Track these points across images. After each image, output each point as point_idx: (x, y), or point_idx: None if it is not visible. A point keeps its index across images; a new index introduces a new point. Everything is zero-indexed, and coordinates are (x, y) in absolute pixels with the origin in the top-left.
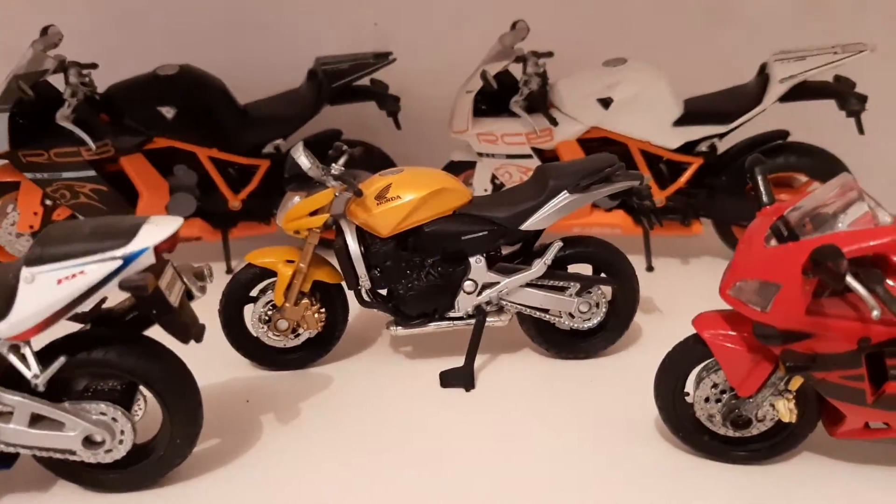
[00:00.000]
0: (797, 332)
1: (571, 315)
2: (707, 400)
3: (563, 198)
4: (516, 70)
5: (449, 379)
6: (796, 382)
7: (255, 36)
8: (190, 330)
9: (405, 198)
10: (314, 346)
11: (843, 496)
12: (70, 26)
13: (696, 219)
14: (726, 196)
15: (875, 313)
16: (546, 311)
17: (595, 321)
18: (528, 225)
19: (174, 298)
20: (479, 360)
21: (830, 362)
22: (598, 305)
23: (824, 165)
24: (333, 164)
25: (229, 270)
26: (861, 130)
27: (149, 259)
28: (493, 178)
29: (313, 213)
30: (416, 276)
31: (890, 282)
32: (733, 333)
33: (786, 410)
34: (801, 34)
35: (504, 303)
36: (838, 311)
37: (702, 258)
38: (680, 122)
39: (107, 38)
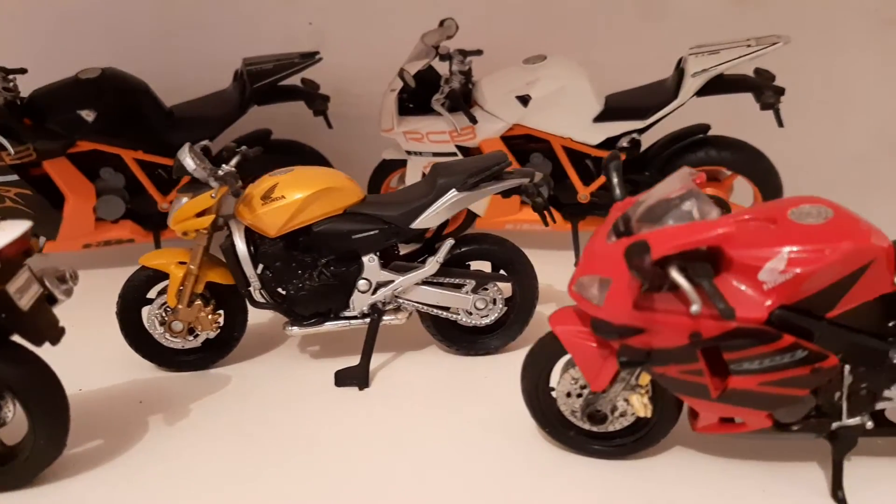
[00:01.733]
0: (631, 326)
1: (469, 312)
2: (569, 395)
3: (452, 196)
4: (444, 68)
5: (343, 378)
6: (646, 377)
7: (187, 38)
8: (43, 333)
9: (290, 197)
10: (214, 347)
11: (707, 489)
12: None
13: None
14: None
15: (694, 308)
16: (446, 308)
17: (493, 318)
18: (417, 223)
19: (26, 302)
20: (383, 358)
21: (666, 357)
22: (494, 302)
23: (745, 158)
24: (223, 165)
25: None
26: (780, 123)
27: None
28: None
29: (201, 214)
30: (308, 276)
31: (735, 281)
32: (584, 329)
33: (640, 405)
34: (737, 27)
35: (401, 301)
36: (670, 305)
37: None
38: (600, 119)
39: (37, 42)
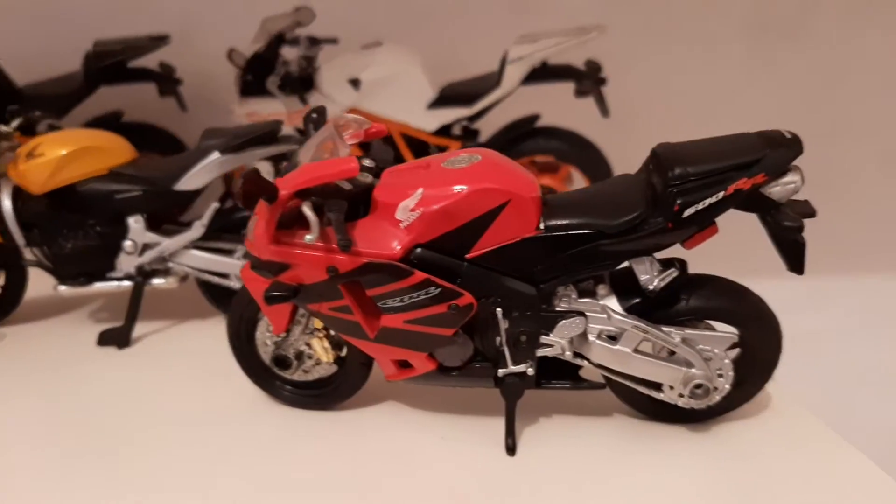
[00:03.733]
0: (276, 262)
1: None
2: (266, 344)
3: (213, 158)
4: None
5: (106, 338)
6: (318, 320)
7: (36, 21)
8: None
9: (50, 154)
10: None
11: (391, 436)
12: None
13: None
14: None
15: (308, 236)
16: (218, 274)
17: None
18: (180, 184)
19: None
20: (164, 323)
21: (313, 293)
22: None
23: (571, 147)
24: (1, 126)
25: None
26: (603, 112)
27: None
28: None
29: None
30: (73, 236)
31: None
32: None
33: (321, 350)
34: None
35: (171, 265)
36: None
37: None
38: (433, 105)
39: None
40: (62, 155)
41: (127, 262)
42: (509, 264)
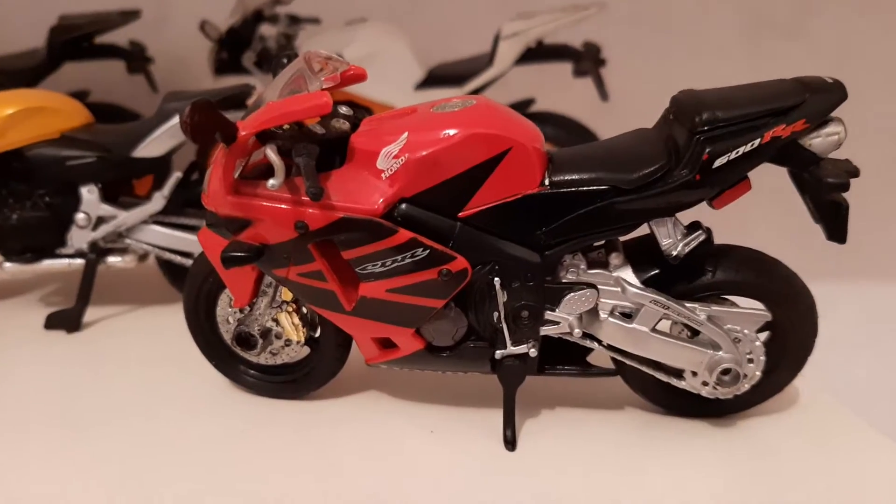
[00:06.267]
0: (235, 217)
1: None
2: (229, 322)
3: (175, 122)
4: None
5: (54, 321)
6: (288, 292)
7: None
8: None
9: None
10: None
11: (373, 430)
12: None
13: None
14: None
15: (271, 181)
16: (180, 253)
17: None
18: (139, 151)
19: None
20: (122, 305)
21: (279, 255)
22: None
23: (568, 134)
24: None
25: None
26: (602, 96)
27: None
28: None
29: None
30: (19, 206)
31: (356, 170)
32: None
33: (290, 326)
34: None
35: (129, 242)
36: (277, 191)
37: None
38: (421, 86)
39: None
40: (8, 115)
41: (79, 237)
42: (509, 225)
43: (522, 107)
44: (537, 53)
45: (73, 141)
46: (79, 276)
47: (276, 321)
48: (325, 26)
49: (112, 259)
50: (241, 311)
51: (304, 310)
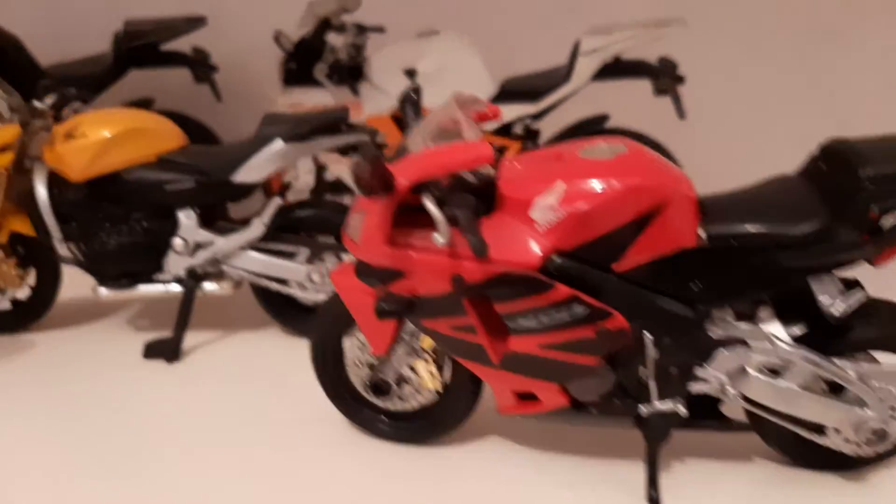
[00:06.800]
0: (389, 269)
1: (303, 285)
2: (357, 364)
3: (276, 146)
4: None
5: (153, 350)
6: (427, 340)
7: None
8: None
9: (93, 136)
10: (23, 309)
11: (507, 484)
12: None
13: None
14: None
15: (439, 238)
16: (277, 279)
17: (329, 293)
18: (238, 176)
19: None
20: (213, 333)
21: (431, 308)
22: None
23: None
24: (34, 101)
25: None
26: (680, 114)
27: None
28: (315, 157)
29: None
30: (116, 230)
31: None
32: (361, 283)
33: (426, 374)
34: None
35: (225, 268)
36: (429, 242)
37: None
38: (493, 101)
39: None
40: (106, 137)
41: (176, 263)
42: (664, 279)
43: (596, 123)
44: (614, 70)
45: (172, 164)
46: (167, 301)
47: (412, 368)
48: (388, 37)
49: (208, 285)
50: (376, 357)
51: (440, 355)
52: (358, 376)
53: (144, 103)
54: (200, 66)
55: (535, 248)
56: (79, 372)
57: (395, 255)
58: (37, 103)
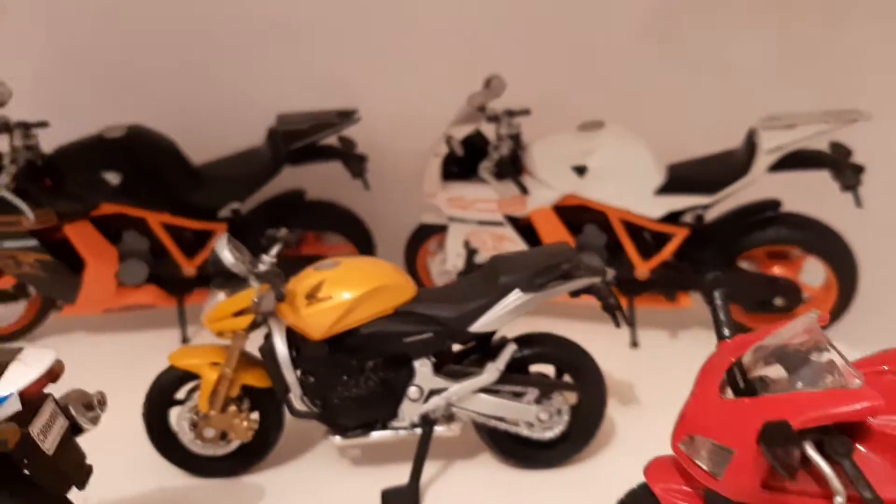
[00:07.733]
0: None
1: (531, 424)
2: None
3: (516, 297)
4: (490, 130)
5: (391, 498)
6: None
7: (215, 90)
8: (69, 478)
9: (338, 298)
10: (247, 453)
11: None
12: (18, 80)
13: (684, 292)
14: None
15: (838, 499)
16: (502, 419)
17: (558, 430)
18: (477, 326)
19: (51, 443)
20: (430, 470)
21: None
22: (559, 412)
23: (820, 239)
24: (263, 256)
25: (185, 339)
26: (858, 203)
27: (13, 406)
28: (467, 242)
29: (239, 314)
30: (353, 382)
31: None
32: (688, 489)
33: None
34: (794, 83)
35: (454, 410)
36: (803, 486)
37: (692, 331)
38: (662, 191)
39: (58, 92)
40: (353, 298)
41: (411, 410)
42: None
43: (769, 208)
44: (791, 161)
45: (409, 315)
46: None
47: None
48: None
49: (439, 429)
50: None
51: None
52: None
53: (296, 195)
54: (353, 159)
55: None
56: None
57: (769, 498)
58: (267, 259)
